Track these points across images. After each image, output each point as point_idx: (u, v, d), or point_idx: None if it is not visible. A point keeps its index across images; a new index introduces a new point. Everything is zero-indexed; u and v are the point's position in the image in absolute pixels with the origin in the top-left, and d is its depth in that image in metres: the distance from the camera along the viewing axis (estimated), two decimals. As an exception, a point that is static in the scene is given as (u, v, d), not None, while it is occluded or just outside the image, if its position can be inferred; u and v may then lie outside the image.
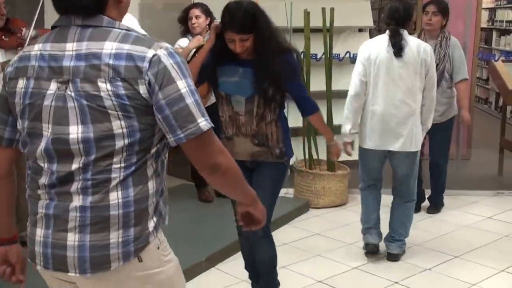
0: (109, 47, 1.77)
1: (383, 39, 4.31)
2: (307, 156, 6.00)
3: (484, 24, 11.21)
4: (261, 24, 3.26)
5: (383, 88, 4.28)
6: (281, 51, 3.33)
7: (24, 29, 4.32)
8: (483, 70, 11.34)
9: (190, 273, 4.24)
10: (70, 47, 1.80)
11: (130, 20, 5.28)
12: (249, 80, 3.30)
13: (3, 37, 4.24)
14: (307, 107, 3.55)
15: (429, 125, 4.45)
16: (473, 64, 7.55)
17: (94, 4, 1.81)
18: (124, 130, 1.79)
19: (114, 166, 1.81)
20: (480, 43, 10.08)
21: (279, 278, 3.78)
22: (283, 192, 5.54)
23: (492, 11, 11.77)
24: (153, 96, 1.77)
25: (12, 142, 1.97)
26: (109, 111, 1.76)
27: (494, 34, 11.57)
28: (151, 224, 1.89)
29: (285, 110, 3.56)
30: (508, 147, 7.06)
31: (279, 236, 5.08)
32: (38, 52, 1.84)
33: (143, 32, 5.24)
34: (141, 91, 1.76)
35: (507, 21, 10.95)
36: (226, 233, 4.54)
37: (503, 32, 11.16)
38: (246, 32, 3.21)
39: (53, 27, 1.87)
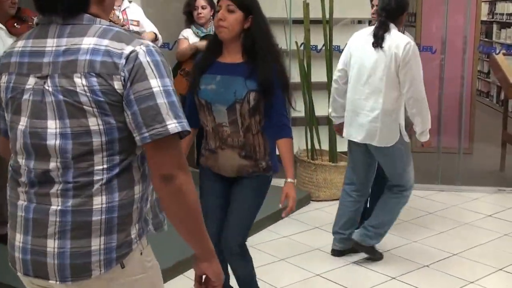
0: (87, 42, 1.74)
1: (368, 30, 4.27)
2: (309, 146, 5.98)
3: (484, 17, 11.19)
4: (258, 14, 3.12)
5: (355, 77, 4.25)
6: (274, 57, 3.16)
7: (35, 18, 4.33)
8: (484, 63, 11.32)
9: (186, 264, 4.25)
10: (51, 43, 1.78)
11: (136, 10, 5.36)
12: (228, 89, 3.10)
13: (15, 24, 4.31)
14: (282, 130, 3.19)
15: (419, 129, 4.19)
16: (474, 58, 7.53)
17: (76, 5, 1.79)
18: (101, 127, 1.74)
19: (96, 167, 1.76)
20: (481, 36, 10.05)
21: (277, 271, 3.72)
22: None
23: (492, 4, 11.74)
24: (125, 91, 1.72)
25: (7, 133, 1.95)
26: (85, 107, 1.73)
27: (495, 27, 11.54)
28: (134, 231, 1.83)
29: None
30: (510, 141, 7.03)
31: (279, 229, 5.13)
32: (20, 49, 1.84)
33: (149, 22, 5.35)
34: (116, 87, 1.72)
35: (507, 14, 10.94)
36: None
37: (503, 25, 11.14)
38: (236, 2, 3.06)
39: (36, 24, 1.88)
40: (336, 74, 4.45)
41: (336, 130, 4.68)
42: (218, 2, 3.16)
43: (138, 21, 5.31)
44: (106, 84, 1.71)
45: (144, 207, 1.87)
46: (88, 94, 1.71)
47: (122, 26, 4.92)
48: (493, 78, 10.48)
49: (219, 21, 3.09)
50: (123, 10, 5.24)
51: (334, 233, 4.57)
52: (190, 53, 5.50)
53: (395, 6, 4.14)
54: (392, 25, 4.14)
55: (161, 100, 1.72)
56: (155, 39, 5.36)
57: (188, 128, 1.76)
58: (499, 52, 7.61)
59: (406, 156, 4.33)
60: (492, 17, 11.65)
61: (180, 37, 5.67)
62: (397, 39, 4.10)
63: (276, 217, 5.25)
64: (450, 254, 4.66)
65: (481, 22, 9.18)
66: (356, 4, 7.04)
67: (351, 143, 4.44)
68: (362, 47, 4.23)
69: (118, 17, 5.06)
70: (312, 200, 5.85)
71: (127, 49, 1.73)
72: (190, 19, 5.68)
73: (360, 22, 7.50)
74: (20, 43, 1.85)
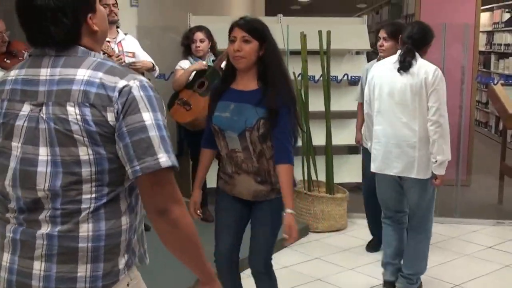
0: (82, 73, 1.76)
1: (392, 59, 4.26)
2: (306, 178, 5.95)
3: (482, 48, 11.29)
4: (270, 42, 3.20)
5: (385, 108, 4.21)
6: (284, 83, 3.23)
7: (25, 52, 4.52)
8: (482, 93, 11.37)
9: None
10: (44, 72, 1.80)
11: (131, 42, 5.40)
12: (240, 117, 3.18)
13: (5, 59, 4.44)
14: (282, 154, 3.18)
15: (439, 158, 4.04)
16: (472, 88, 7.56)
17: (67, 38, 1.80)
18: (91, 157, 1.75)
19: (84, 196, 1.76)
20: (479, 67, 10.10)
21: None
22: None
23: (490, 34, 11.83)
24: (117, 123, 1.74)
25: None
26: (75, 135, 1.74)
27: (493, 57, 11.60)
28: (122, 261, 1.83)
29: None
30: (508, 173, 7.01)
31: (279, 259, 5.06)
32: (13, 77, 1.86)
33: (145, 53, 5.39)
34: (109, 118, 1.73)
35: (505, 44, 11.00)
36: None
37: (501, 56, 11.21)
38: (250, 32, 3.14)
39: (29, 56, 1.89)
40: (365, 107, 4.41)
41: None
42: (230, 33, 3.21)
43: (133, 53, 5.35)
44: (100, 115, 1.73)
45: (133, 238, 1.88)
46: (80, 123, 1.73)
47: (117, 57, 4.96)
48: (492, 108, 10.51)
49: (236, 52, 3.15)
50: (118, 42, 5.27)
51: (385, 264, 4.47)
52: (186, 80, 5.52)
53: (422, 35, 4.17)
54: (417, 54, 4.14)
55: (153, 133, 1.73)
56: (152, 69, 5.41)
57: (177, 165, 1.76)
58: (497, 83, 7.62)
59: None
60: (490, 48, 11.74)
61: (177, 67, 5.69)
62: (425, 66, 4.11)
63: (276, 247, 5.17)
64: (452, 285, 4.66)
65: (479, 53, 9.24)
66: (353, 35, 7.13)
67: (378, 177, 4.37)
68: (388, 76, 4.20)
69: (113, 49, 5.08)
70: (311, 231, 5.82)
71: (121, 83, 1.75)
72: (188, 51, 5.71)
73: (358, 53, 7.55)
74: (14, 72, 1.87)
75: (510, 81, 7.98)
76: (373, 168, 4.33)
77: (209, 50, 5.70)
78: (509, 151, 7.50)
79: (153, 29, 7.10)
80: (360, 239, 5.67)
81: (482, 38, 11.56)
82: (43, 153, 1.77)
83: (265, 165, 3.23)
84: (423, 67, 4.10)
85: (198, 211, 3.45)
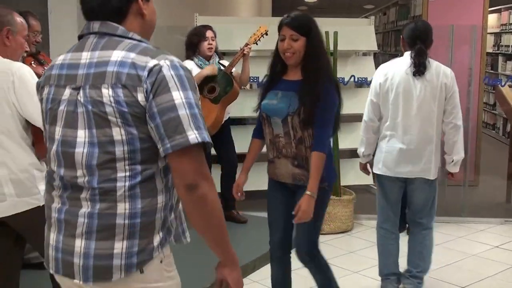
0: (116, 55, 1.84)
1: (402, 61, 4.15)
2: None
3: (489, 49, 11.26)
4: (314, 35, 3.36)
5: (401, 112, 4.11)
6: (327, 78, 3.36)
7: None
8: (489, 95, 11.33)
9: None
10: (85, 56, 1.90)
11: None
12: (285, 103, 3.38)
13: (32, 62, 4.44)
14: (316, 143, 3.36)
15: (456, 158, 4.17)
16: (479, 89, 7.53)
17: (116, 11, 1.91)
18: (124, 137, 1.83)
19: (118, 175, 1.84)
20: (486, 68, 10.08)
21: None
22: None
23: (498, 36, 11.78)
24: (147, 103, 1.80)
25: None
26: (109, 117, 1.82)
27: (500, 59, 11.56)
28: (156, 239, 1.90)
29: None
30: (517, 173, 7.00)
31: None
32: (60, 62, 1.97)
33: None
34: (139, 98, 1.80)
35: (513, 46, 10.95)
36: (240, 253, 4.48)
37: (509, 57, 11.17)
38: (298, 30, 3.33)
39: (79, 37, 1.98)
40: (368, 110, 4.25)
41: (363, 168, 4.49)
42: (279, 31, 3.43)
43: None
44: (130, 95, 1.80)
45: (169, 216, 1.95)
46: (113, 104, 1.80)
47: None
48: (499, 110, 10.47)
49: (286, 50, 3.37)
50: None
51: (388, 275, 4.38)
52: (198, 84, 5.39)
53: (428, 35, 4.15)
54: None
55: (183, 112, 1.79)
56: None
57: (209, 140, 1.82)
58: (505, 84, 7.59)
59: None
60: (498, 49, 11.70)
61: None
62: (441, 67, 4.11)
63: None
64: (458, 287, 4.64)
65: (487, 54, 9.22)
66: (360, 36, 7.10)
67: (385, 180, 4.29)
68: (404, 80, 4.10)
69: None
70: (317, 233, 5.79)
71: (151, 62, 1.81)
72: (194, 51, 5.56)
73: (365, 54, 7.54)
74: (61, 57, 1.98)
75: (518, 83, 7.96)
76: (386, 171, 4.24)
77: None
78: (517, 152, 7.47)
79: (159, 29, 7.05)
80: (366, 240, 5.65)
81: (490, 40, 11.52)
82: (81, 135, 1.86)
83: (302, 151, 3.40)
84: (440, 69, 4.09)
85: (239, 193, 3.64)
